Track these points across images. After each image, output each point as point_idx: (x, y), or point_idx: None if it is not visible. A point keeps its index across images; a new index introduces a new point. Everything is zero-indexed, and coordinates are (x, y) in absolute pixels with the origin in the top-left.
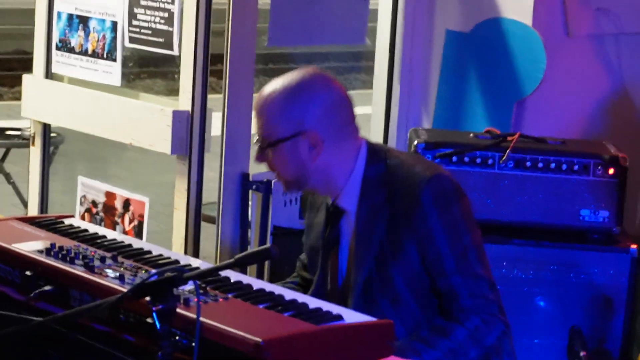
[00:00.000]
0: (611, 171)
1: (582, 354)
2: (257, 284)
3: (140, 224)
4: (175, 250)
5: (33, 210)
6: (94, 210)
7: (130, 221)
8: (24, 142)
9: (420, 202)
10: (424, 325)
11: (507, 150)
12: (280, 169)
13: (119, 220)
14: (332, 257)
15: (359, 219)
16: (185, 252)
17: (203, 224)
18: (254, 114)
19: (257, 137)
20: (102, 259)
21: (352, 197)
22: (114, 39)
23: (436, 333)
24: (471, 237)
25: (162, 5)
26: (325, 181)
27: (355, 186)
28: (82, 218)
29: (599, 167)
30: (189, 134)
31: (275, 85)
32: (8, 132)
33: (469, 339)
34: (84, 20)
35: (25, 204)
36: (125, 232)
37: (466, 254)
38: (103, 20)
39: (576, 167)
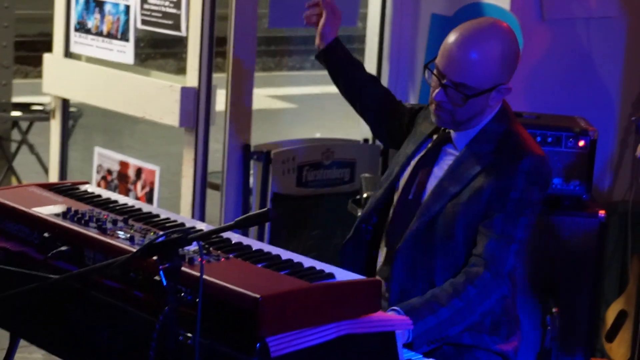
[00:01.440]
0: (581, 143)
1: (554, 309)
2: (256, 245)
3: (152, 190)
4: (183, 215)
5: (53, 178)
6: (109, 178)
7: (142, 188)
8: (46, 115)
9: (517, 165)
10: (461, 266)
11: None
12: (461, 111)
13: (132, 187)
14: (420, 174)
15: (460, 157)
16: (192, 217)
17: (208, 191)
18: (455, 56)
19: (449, 79)
20: (114, 222)
21: (465, 139)
22: (127, 21)
23: (448, 291)
24: (530, 213)
25: None
26: (466, 121)
27: (474, 131)
28: (98, 185)
29: (570, 139)
30: (195, 109)
31: (482, 36)
32: (33, 107)
33: (477, 296)
34: (99, 4)
35: (47, 172)
36: (137, 198)
37: (518, 221)
38: (117, 5)
39: (550, 139)
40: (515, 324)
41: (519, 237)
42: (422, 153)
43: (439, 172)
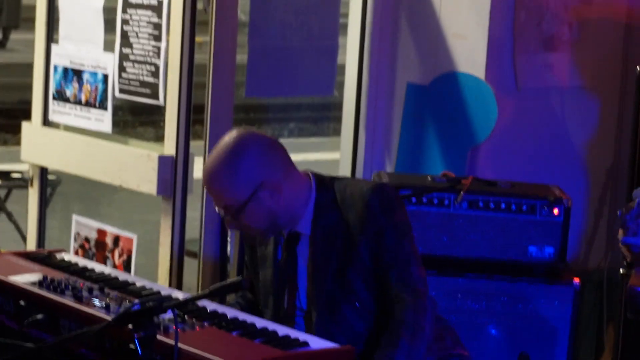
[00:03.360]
0: (556, 211)
1: None
2: (231, 313)
3: (129, 258)
4: (161, 283)
5: (31, 246)
6: (87, 246)
7: (120, 256)
8: (24, 183)
9: (368, 208)
10: (381, 319)
11: (462, 192)
12: (254, 224)
13: (109, 255)
14: (289, 281)
15: (314, 241)
16: (170, 285)
17: (186, 259)
18: (208, 191)
19: (221, 209)
20: (90, 290)
21: (307, 222)
22: (105, 90)
23: (392, 331)
24: (409, 236)
25: (149, 60)
26: (291, 216)
27: (309, 212)
28: (76, 253)
29: (545, 207)
30: (173, 177)
31: (214, 161)
32: (12, 175)
33: (416, 318)
34: (77, 73)
35: (24, 239)
36: (115, 266)
37: (402, 244)
38: (95, 74)
39: (524, 208)
40: (456, 335)
41: (410, 250)
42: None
43: (303, 267)
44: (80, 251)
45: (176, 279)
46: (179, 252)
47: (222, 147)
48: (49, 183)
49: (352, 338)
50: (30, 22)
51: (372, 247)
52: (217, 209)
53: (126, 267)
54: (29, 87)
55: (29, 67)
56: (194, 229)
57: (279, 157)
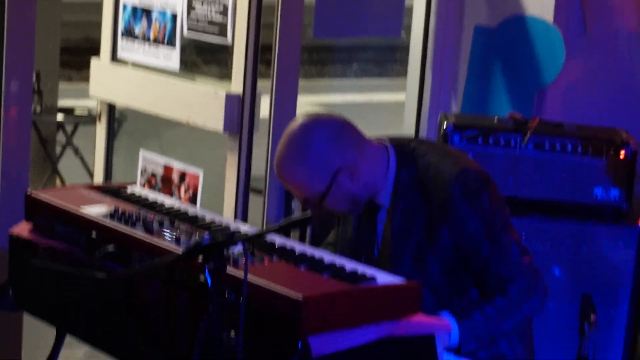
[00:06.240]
0: (622, 154)
1: (592, 317)
2: (299, 247)
3: (195, 194)
4: None
5: (98, 181)
6: (153, 181)
7: (186, 192)
8: (91, 119)
9: (451, 198)
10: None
11: (528, 133)
12: (337, 208)
13: (175, 191)
14: (368, 246)
15: (393, 217)
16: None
17: (251, 196)
18: (286, 184)
19: (304, 201)
20: (161, 223)
21: (387, 195)
22: (174, 28)
23: (488, 296)
24: (501, 218)
25: None
26: (371, 192)
27: (389, 185)
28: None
29: (611, 150)
30: (239, 115)
31: (285, 157)
32: (77, 111)
33: (519, 296)
34: (146, 12)
35: (91, 175)
36: None
37: (498, 235)
38: (164, 12)
39: (590, 150)
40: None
41: (508, 239)
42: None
43: (379, 240)
44: (146, 186)
45: (241, 216)
46: (245, 189)
47: (290, 140)
48: (116, 119)
49: None
50: None
51: (456, 239)
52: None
53: (192, 202)
54: (94, 25)
55: (93, 6)
56: (259, 166)
57: (350, 136)
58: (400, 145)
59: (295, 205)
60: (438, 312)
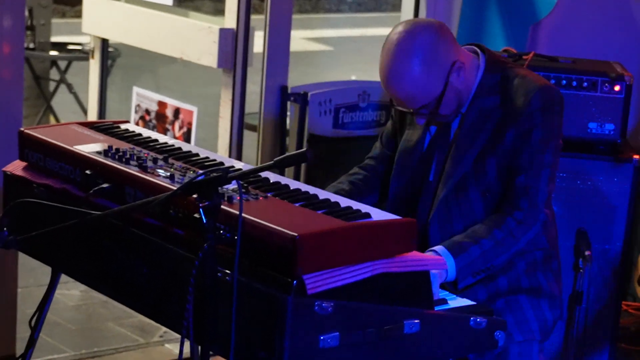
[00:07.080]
0: (617, 88)
1: (586, 252)
2: (293, 184)
3: (189, 131)
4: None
5: (92, 117)
6: (147, 117)
7: (180, 128)
8: (84, 55)
9: (529, 103)
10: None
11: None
12: (446, 111)
13: (169, 127)
14: (437, 148)
15: (466, 118)
16: (229, 157)
17: (245, 132)
18: (400, 97)
19: (418, 109)
20: (155, 160)
21: (468, 99)
22: None
23: (487, 224)
24: (557, 141)
25: None
26: (468, 92)
27: (473, 88)
28: (137, 125)
29: (606, 84)
30: (233, 50)
31: (399, 64)
32: (70, 47)
33: (517, 228)
34: None
35: (85, 111)
36: (175, 138)
37: (547, 147)
38: None
39: (585, 84)
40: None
41: (549, 161)
42: (431, 137)
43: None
44: (140, 123)
45: (236, 152)
46: (239, 125)
47: (399, 50)
48: (109, 55)
49: (469, 223)
50: None
51: (517, 142)
52: (399, 109)
53: (186, 139)
54: None
55: None
56: (253, 102)
57: (449, 33)
58: (492, 55)
59: (290, 142)
60: (438, 245)
